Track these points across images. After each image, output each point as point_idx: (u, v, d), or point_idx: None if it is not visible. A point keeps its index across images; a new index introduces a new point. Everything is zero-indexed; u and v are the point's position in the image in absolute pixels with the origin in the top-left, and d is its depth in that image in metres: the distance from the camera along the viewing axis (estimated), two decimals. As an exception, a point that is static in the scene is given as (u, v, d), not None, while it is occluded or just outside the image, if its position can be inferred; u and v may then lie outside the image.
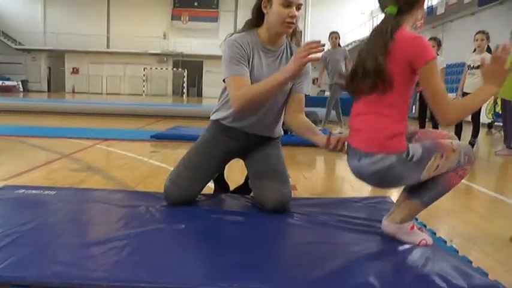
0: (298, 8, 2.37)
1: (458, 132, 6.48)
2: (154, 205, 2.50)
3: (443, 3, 20.50)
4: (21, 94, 28.61)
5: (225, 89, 2.57)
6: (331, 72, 8.36)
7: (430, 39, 6.92)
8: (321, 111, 8.74)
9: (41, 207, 2.46)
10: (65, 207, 2.49)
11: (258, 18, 2.50)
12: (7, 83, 32.51)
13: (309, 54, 2.11)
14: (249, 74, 2.42)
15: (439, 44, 6.82)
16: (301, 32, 2.68)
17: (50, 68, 36.95)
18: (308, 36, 35.32)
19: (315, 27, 34.97)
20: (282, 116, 2.67)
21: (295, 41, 2.63)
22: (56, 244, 1.91)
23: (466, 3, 17.83)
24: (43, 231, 2.05)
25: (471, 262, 1.90)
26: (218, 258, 1.81)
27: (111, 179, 3.56)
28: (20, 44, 35.39)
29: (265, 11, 2.42)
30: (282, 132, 2.81)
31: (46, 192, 2.78)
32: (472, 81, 6.43)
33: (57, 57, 36.21)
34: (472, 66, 6.48)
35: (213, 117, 2.69)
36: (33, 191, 2.78)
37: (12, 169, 3.79)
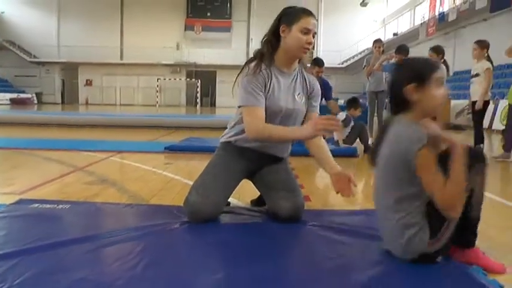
0: (313, 35, 2.52)
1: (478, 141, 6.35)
2: (169, 220, 2.51)
3: (454, 9, 20.45)
4: (36, 106, 28.95)
5: (239, 114, 2.61)
6: (374, 81, 8.03)
7: (430, 49, 6.85)
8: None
9: (55, 222, 2.49)
10: (79, 222, 2.51)
11: (275, 41, 2.57)
12: (22, 95, 33.08)
13: (325, 128, 2.29)
14: (264, 103, 2.49)
15: (438, 52, 6.69)
16: (312, 52, 2.75)
17: (63, 80, 37.49)
18: (321, 45, 35.41)
19: (327, 35, 35.05)
20: None
21: (303, 64, 2.74)
22: (70, 259, 1.92)
23: (477, 9, 17.77)
24: (57, 247, 2.05)
25: (485, 274, 1.87)
26: (233, 271, 1.80)
27: (125, 191, 3.56)
28: (34, 57, 35.95)
29: (282, 35, 2.53)
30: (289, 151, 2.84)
31: (60, 206, 2.80)
32: (471, 90, 6.51)
33: (71, 69, 36.71)
34: (471, 74, 6.54)
35: (223, 140, 2.74)
36: (47, 205, 2.80)
37: (27, 183, 3.80)
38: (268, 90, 2.52)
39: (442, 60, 6.63)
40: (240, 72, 2.59)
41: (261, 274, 1.78)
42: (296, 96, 2.62)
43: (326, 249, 2.12)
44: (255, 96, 2.47)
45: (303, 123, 2.68)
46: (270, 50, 2.58)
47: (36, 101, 34.02)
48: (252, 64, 2.56)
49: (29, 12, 35.89)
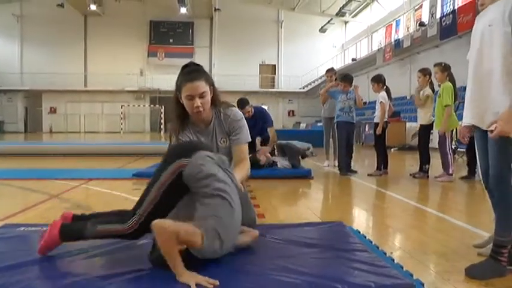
0: (201, 96, 2.71)
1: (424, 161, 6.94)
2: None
3: (408, 36, 21.52)
4: (-3, 136, 28.49)
5: None
6: (328, 108, 8.50)
7: (371, 79, 7.57)
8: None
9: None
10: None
11: (181, 107, 2.84)
12: (-17, 124, 32.25)
13: None
14: None
15: (378, 81, 7.40)
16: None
17: (26, 108, 37.00)
18: (282, 70, 36.30)
19: (288, 61, 35.95)
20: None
21: (223, 106, 2.95)
22: (62, 268, 2.31)
23: (429, 36, 18.81)
24: (46, 260, 2.45)
25: (402, 267, 2.37)
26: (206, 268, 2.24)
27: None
28: (-5, 85, 35.43)
29: (181, 102, 2.80)
30: None
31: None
32: (417, 114, 7.32)
33: (34, 97, 36.33)
34: None
35: None
36: (33, 228, 3.16)
37: (7, 210, 4.13)
38: None
39: (384, 87, 7.31)
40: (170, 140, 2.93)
41: (226, 271, 2.23)
42: (219, 143, 2.93)
43: (274, 252, 2.60)
44: None
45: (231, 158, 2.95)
46: (180, 116, 2.87)
47: (-3, 130, 33.37)
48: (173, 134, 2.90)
49: (-11, 40, 35.64)
